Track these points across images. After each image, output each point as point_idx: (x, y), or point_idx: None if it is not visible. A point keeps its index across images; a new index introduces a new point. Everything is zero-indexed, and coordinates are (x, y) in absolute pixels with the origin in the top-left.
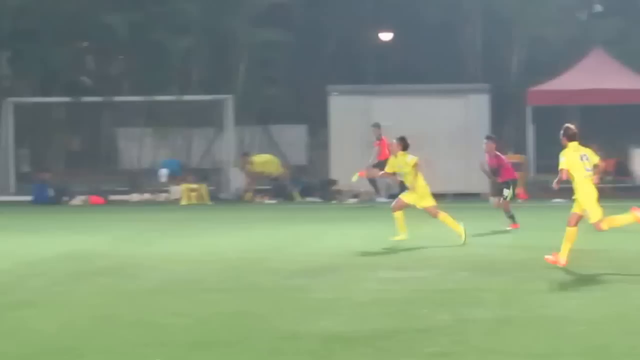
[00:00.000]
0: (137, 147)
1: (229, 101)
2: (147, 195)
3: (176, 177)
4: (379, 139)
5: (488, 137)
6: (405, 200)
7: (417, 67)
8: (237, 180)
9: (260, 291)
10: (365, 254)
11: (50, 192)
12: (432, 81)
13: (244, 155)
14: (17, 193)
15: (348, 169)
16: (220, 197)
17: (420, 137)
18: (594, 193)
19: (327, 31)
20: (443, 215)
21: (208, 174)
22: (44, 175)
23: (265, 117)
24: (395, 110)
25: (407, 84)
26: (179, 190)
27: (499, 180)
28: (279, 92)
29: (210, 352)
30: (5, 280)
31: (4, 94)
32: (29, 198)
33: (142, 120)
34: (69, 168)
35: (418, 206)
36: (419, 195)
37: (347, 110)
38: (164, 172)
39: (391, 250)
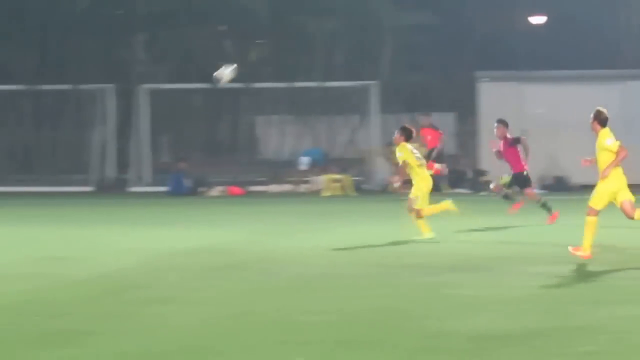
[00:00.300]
0: (277, 136)
1: (373, 87)
2: (287, 186)
3: (318, 166)
4: (429, 127)
5: (499, 121)
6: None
7: (571, 52)
8: (382, 170)
9: (406, 287)
10: (516, 247)
11: (188, 183)
12: (587, 67)
13: (389, 144)
14: (154, 184)
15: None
16: (364, 188)
17: (575, 127)
18: (616, 181)
19: (476, 14)
20: (424, 214)
21: (351, 164)
22: (180, 165)
23: (411, 105)
24: (548, 97)
25: (561, 69)
26: (321, 180)
27: (513, 171)
28: (425, 78)
29: (355, 351)
30: (142, 275)
31: (139, 80)
32: (165, 189)
33: (283, 108)
34: (206, 157)
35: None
36: (425, 191)
37: (497, 98)
38: (305, 161)
39: (544, 244)
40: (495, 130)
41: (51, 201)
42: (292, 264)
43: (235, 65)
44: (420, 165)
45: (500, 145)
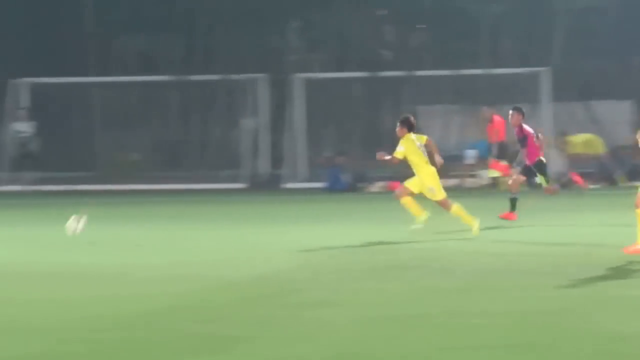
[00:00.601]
0: (441, 127)
1: (544, 74)
2: (453, 181)
3: (486, 159)
4: (491, 120)
5: (514, 108)
6: (411, 188)
7: None
8: (555, 162)
9: (581, 287)
10: None
11: (346, 178)
12: None
13: (561, 134)
14: (310, 179)
15: None
16: (534, 182)
17: None
18: None
19: None
20: (456, 208)
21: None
22: (338, 159)
23: (585, 92)
24: None
25: None
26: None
27: (528, 161)
28: (600, 63)
29: (528, 355)
30: (298, 276)
31: (293, 69)
32: (322, 185)
33: (447, 97)
34: (366, 151)
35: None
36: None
37: None
38: (471, 154)
39: None
40: (510, 118)
41: (201, 199)
42: (457, 263)
43: (85, 217)
44: (427, 161)
45: (515, 134)
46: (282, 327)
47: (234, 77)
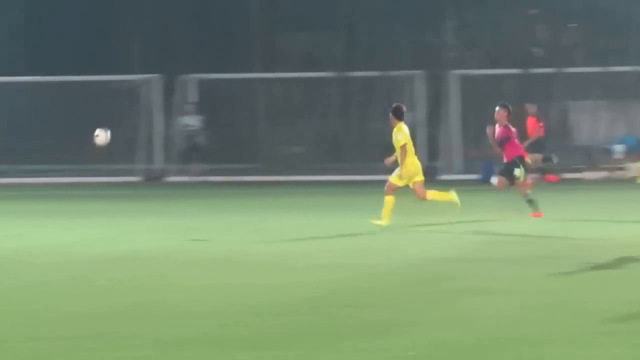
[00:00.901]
0: (591, 122)
1: None
2: (602, 173)
3: (634, 153)
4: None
5: (501, 105)
6: (396, 183)
7: None
8: None
9: None
10: None
11: (498, 171)
12: None
13: None
14: (465, 172)
15: None
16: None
17: None
18: None
19: None
20: (431, 194)
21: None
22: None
23: None
24: None
25: None
26: (636, 167)
27: (505, 159)
28: None
29: None
30: (452, 264)
31: (449, 66)
32: (476, 177)
33: (596, 93)
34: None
35: (410, 185)
36: (411, 175)
37: None
38: (619, 149)
39: None
40: (495, 114)
41: (359, 190)
42: (607, 252)
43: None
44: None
45: (499, 132)
46: (437, 312)
47: (393, 73)
